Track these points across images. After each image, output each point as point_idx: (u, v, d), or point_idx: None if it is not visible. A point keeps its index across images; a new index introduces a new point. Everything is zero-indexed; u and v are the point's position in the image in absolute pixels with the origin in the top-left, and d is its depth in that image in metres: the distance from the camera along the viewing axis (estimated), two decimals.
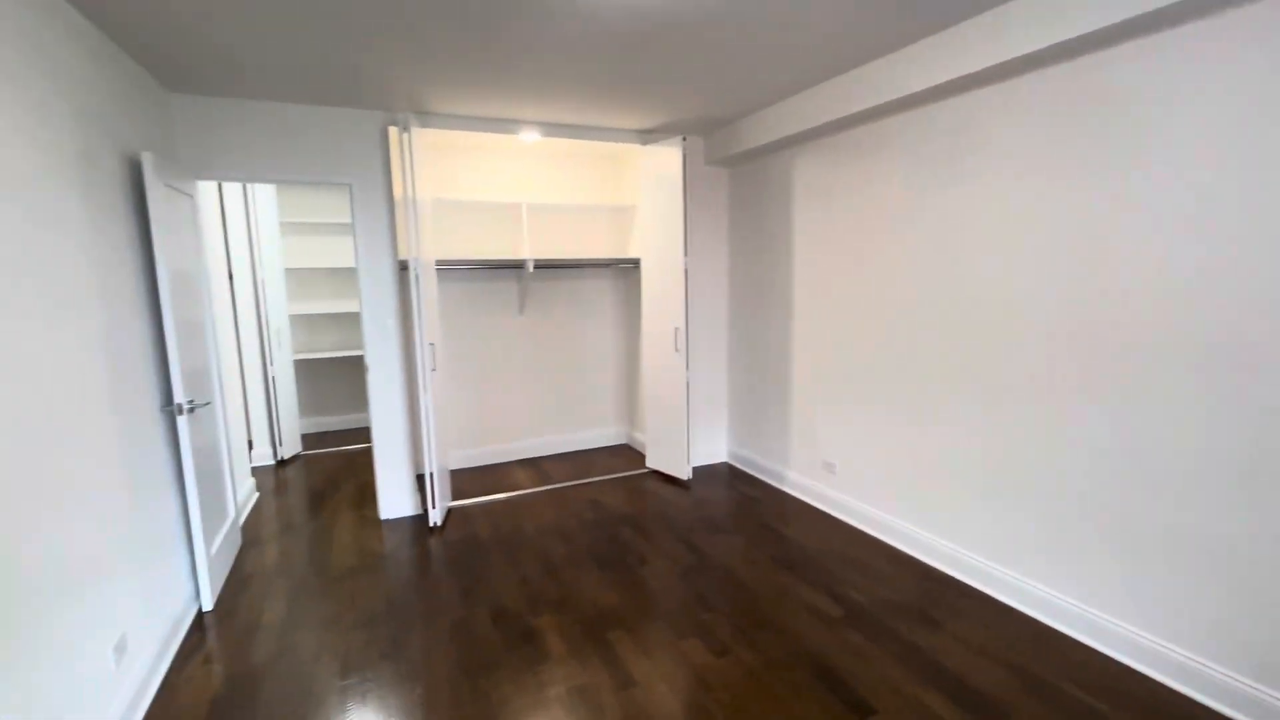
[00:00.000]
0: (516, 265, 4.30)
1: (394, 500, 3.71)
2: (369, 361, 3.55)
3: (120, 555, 2.04)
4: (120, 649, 1.97)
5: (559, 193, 4.61)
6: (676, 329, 4.00)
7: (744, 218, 4.22)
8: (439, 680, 2.20)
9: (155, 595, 2.29)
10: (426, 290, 3.36)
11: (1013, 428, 2.52)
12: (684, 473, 4.13)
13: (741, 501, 3.83)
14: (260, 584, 2.93)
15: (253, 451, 4.69)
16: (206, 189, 3.89)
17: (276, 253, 4.72)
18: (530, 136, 3.86)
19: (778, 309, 3.93)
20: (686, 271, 3.91)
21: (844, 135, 3.26)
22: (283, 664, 2.31)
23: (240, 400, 4.22)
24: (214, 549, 2.81)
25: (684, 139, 3.78)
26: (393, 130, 3.47)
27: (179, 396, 2.52)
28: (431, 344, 3.41)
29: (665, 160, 3.91)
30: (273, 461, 4.81)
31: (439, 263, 4.06)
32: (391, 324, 3.57)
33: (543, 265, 4.42)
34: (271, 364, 4.70)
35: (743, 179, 4.19)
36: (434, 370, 3.43)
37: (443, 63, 2.70)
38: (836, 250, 3.40)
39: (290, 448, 4.92)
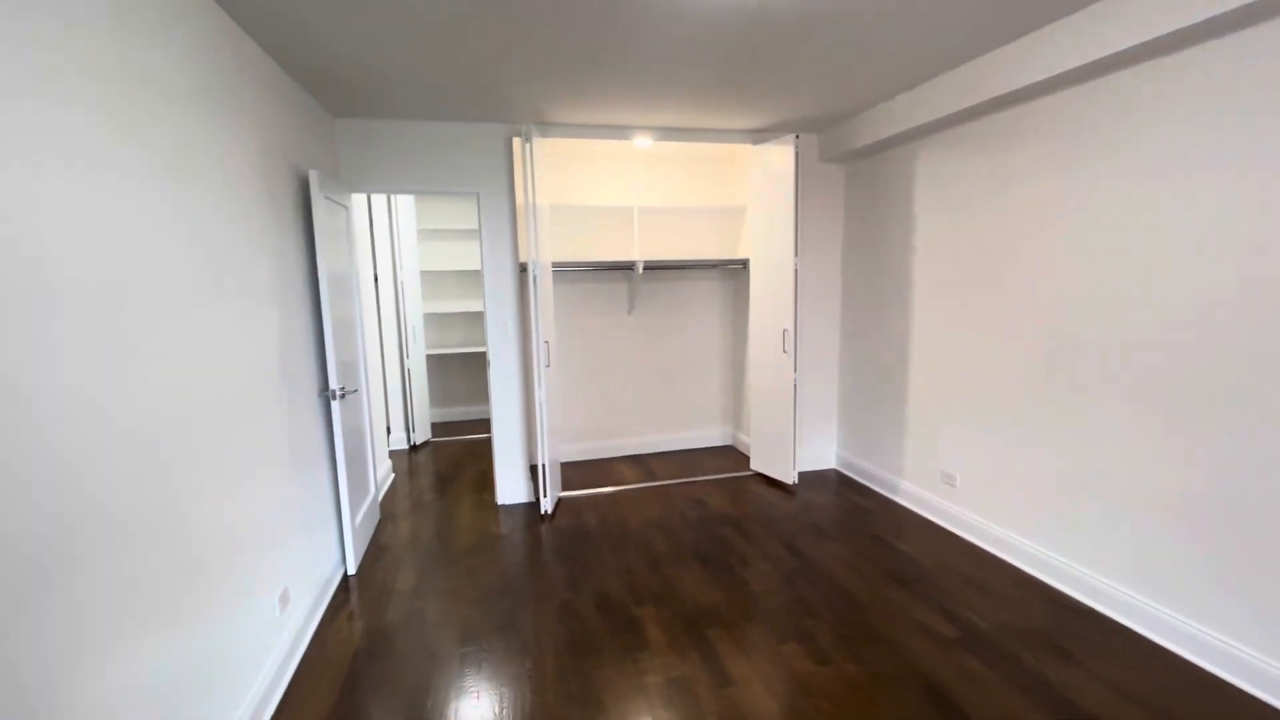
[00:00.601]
0: (627, 266, 4.43)
1: (510, 487, 3.96)
2: (490, 358, 3.82)
3: (283, 520, 2.36)
4: (284, 600, 2.29)
5: (669, 195, 4.69)
6: (785, 330, 3.94)
7: (860, 216, 4.06)
8: (546, 656, 2.34)
9: (311, 557, 2.63)
10: (543, 291, 3.56)
11: (1193, 449, 2.19)
12: (789, 477, 4.05)
13: (849, 509, 3.69)
14: (394, 555, 3.26)
15: (390, 436, 5.20)
16: (358, 200, 4.37)
17: (414, 257, 5.21)
18: (643, 142, 3.98)
19: (895, 310, 3.75)
20: (796, 272, 3.83)
21: (975, 125, 3.05)
22: (411, 627, 2.57)
23: (381, 390, 4.69)
24: (358, 520, 3.16)
25: (797, 137, 3.71)
26: (516, 141, 3.71)
27: (333, 384, 2.87)
28: (546, 342, 3.61)
29: (777, 159, 3.86)
30: (407, 446, 5.30)
31: (554, 264, 4.28)
32: (511, 323, 3.82)
33: (652, 266, 4.52)
34: (408, 358, 5.18)
35: (860, 176, 4.04)
36: (548, 367, 3.63)
37: (561, 76, 2.85)
38: (965, 248, 3.19)
39: (422, 434, 5.40)
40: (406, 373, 5.17)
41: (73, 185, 1.27)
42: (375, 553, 3.29)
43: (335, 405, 2.88)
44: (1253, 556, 2.03)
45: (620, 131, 3.85)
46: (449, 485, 4.35)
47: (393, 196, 4.87)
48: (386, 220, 4.90)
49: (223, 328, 1.92)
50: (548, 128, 3.74)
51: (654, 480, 4.29)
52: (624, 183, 4.59)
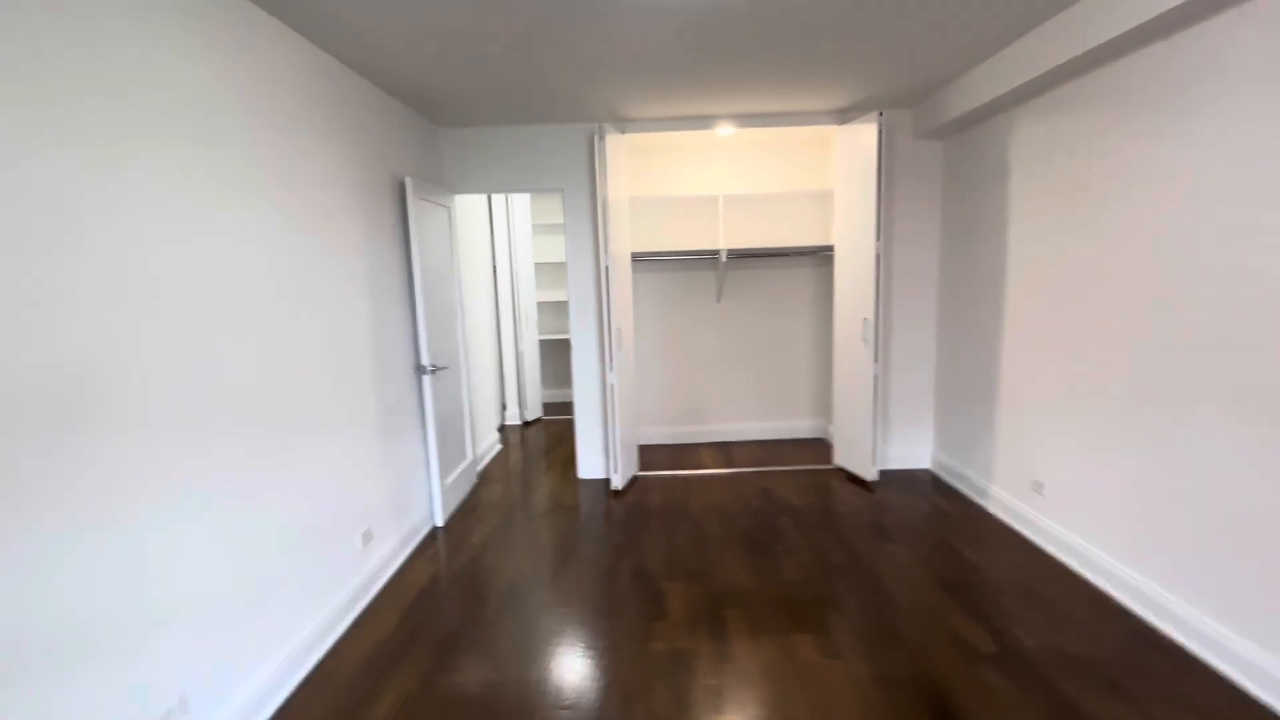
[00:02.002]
0: (712, 255, 4.49)
1: (590, 463, 4.26)
2: (572, 343, 4.13)
3: (370, 471, 2.84)
4: (367, 538, 2.77)
5: (758, 182, 4.64)
6: (865, 319, 3.76)
7: (958, 196, 3.73)
8: (573, 611, 2.57)
9: (396, 506, 3.11)
10: (616, 281, 3.77)
11: None
12: (869, 474, 3.87)
13: (929, 513, 3.45)
14: (479, 513, 3.70)
15: (506, 412, 5.79)
16: (477, 200, 4.89)
17: (528, 250, 5.71)
18: (725, 130, 4.00)
19: (989, 300, 3.41)
20: (879, 257, 3.63)
21: (1072, 86, 2.69)
22: (470, 572, 2.94)
23: (496, 370, 5.22)
24: (449, 480, 3.64)
25: (880, 114, 3.50)
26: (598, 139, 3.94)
27: (425, 361, 3.34)
28: (618, 329, 3.82)
29: (861, 139, 3.67)
30: (519, 422, 5.85)
31: (640, 255, 4.47)
32: (590, 312, 4.09)
33: (737, 255, 4.53)
34: (520, 342, 5.71)
35: (957, 152, 3.70)
36: (619, 351, 3.84)
37: (631, 75, 3.01)
38: (1058, 227, 2.83)
39: (533, 412, 5.93)
40: (519, 355, 5.70)
41: (222, 209, 1.72)
42: (466, 510, 3.76)
43: (426, 380, 3.35)
44: None
45: (701, 121, 3.91)
46: (545, 458, 4.76)
47: (509, 196, 5.37)
48: (505, 217, 5.43)
49: (317, 317, 2.39)
50: (626, 124, 3.92)
51: (730, 468, 4.34)
52: (711, 171, 4.64)
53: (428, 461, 3.49)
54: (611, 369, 3.80)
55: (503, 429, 5.71)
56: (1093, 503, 2.65)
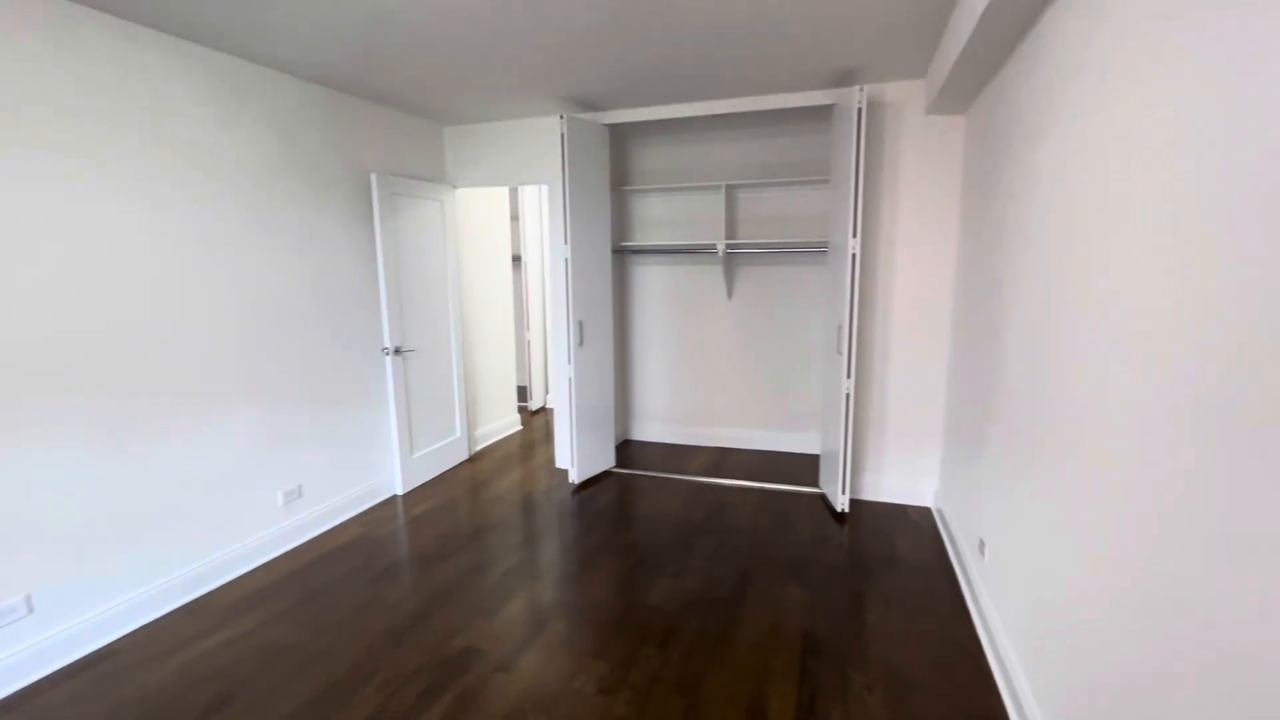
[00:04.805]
0: (710, 250, 4.22)
1: (564, 455, 4.29)
2: (550, 334, 4.17)
3: (303, 438, 3.20)
4: (291, 495, 3.13)
5: (769, 171, 4.21)
6: (840, 327, 3.27)
7: (976, 181, 3.04)
8: (438, 578, 2.66)
9: (347, 473, 3.46)
10: (577, 273, 3.72)
11: None
12: (838, 503, 3.39)
13: (883, 561, 2.94)
14: (444, 488, 3.95)
15: (532, 398, 5.99)
16: (498, 193, 5.06)
17: (540, 241, 5.81)
18: (726, 112, 3.71)
19: (990, 295, 2.77)
20: (854, 257, 3.14)
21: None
22: (396, 536, 3.19)
23: (512, 357, 5.38)
24: (418, 454, 3.94)
25: (861, 89, 3.00)
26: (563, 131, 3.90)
27: (387, 343, 3.64)
28: (580, 322, 3.78)
29: (845, 118, 3.17)
30: (540, 406, 6.04)
31: (636, 248, 4.35)
32: (562, 305, 4.08)
33: (737, 249, 4.20)
34: (527, 330, 5.87)
35: (976, 125, 3.01)
36: (580, 346, 3.81)
37: (604, 72, 3.02)
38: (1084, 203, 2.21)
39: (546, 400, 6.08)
40: (526, 345, 5.88)
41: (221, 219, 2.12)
42: (435, 483, 4.05)
43: (388, 360, 3.66)
44: None
45: (683, 120, 3.68)
46: (544, 445, 4.89)
47: (540, 187, 5.52)
48: (536, 208, 5.62)
49: (285, 296, 2.77)
50: (601, 114, 3.82)
51: (711, 476, 4.07)
52: (718, 159, 4.32)
53: (392, 434, 3.81)
54: (569, 362, 3.78)
55: (539, 411, 5.96)
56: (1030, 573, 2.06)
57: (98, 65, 2.26)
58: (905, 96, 3.27)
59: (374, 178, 3.50)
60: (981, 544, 2.42)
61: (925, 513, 3.47)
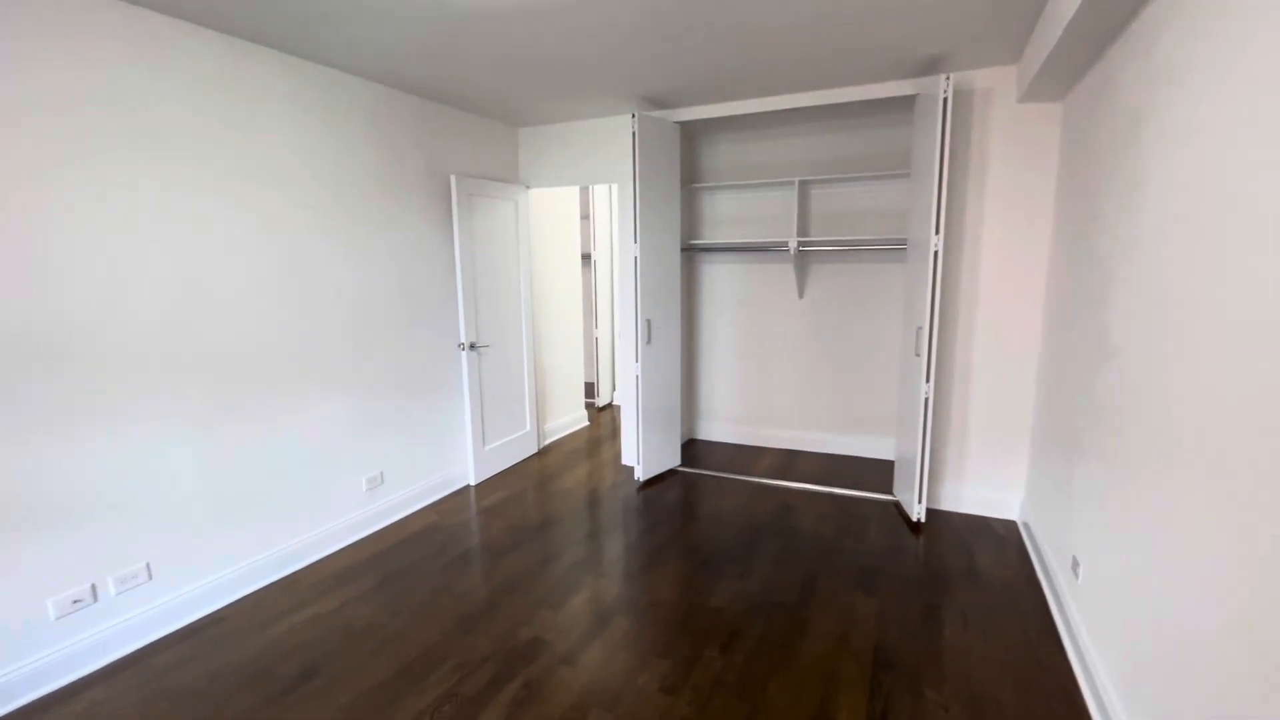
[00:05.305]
0: (782, 248, 4.12)
1: (631, 452, 4.32)
2: (618, 331, 4.20)
3: (385, 428, 3.37)
4: (374, 482, 3.31)
5: (846, 166, 4.07)
6: (919, 328, 3.12)
7: (1070, 174, 2.83)
8: (503, 570, 2.75)
9: (425, 462, 3.62)
10: (646, 272, 3.73)
11: None
12: (913, 512, 3.24)
13: (961, 574, 2.79)
14: (514, 480, 4.07)
15: (600, 394, 6.05)
16: (568, 193, 5.14)
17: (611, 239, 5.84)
18: (798, 104, 3.62)
19: (1096, 294, 2.57)
20: (936, 254, 2.98)
21: None
22: (477, 521, 3.32)
23: (581, 353, 5.43)
24: (491, 446, 4.07)
25: (947, 78, 2.85)
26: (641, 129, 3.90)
27: (464, 339, 3.78)
28: (648, 320, 3.79)
29: (930, 109, 3.02)
30: (607, 403, 6.09)
31: (706, 245, 4.31)
32: (630, 304, 4.10)
33: (810, 247, 4.09)
34: (595, 328, 5.92)
35: (1076, 114, 2.78)
36: (648, 344, 3.81)
37: (676, 69, 3.03)
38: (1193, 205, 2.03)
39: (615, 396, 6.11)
40: (594, 342, 5.92)
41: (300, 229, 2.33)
42: (508, 473, 4.17)
43: (464, 355, 3.79)
44: None
45: (754, 115, 3.61)
46: (605, 441, 4.94)
47: (611, 186, 5.56)
48: (608, 208, 5.67)
49: (376, 293, 2.95)
50: (675, 111, 3.81)
51: (777, 478, 3.98)
52: (788, 155, 4.21)
53: (466, 427, 3.95)
54: (637, 360, 3.80)
55: (605, 408, 6.02)
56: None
57: (204, 78, 2.46)
58: (995, 84, 3.08)
59: (453, 180, 3.63)
60: (1075, 561, 2.25)
61: (1010, 526, 3.27)
